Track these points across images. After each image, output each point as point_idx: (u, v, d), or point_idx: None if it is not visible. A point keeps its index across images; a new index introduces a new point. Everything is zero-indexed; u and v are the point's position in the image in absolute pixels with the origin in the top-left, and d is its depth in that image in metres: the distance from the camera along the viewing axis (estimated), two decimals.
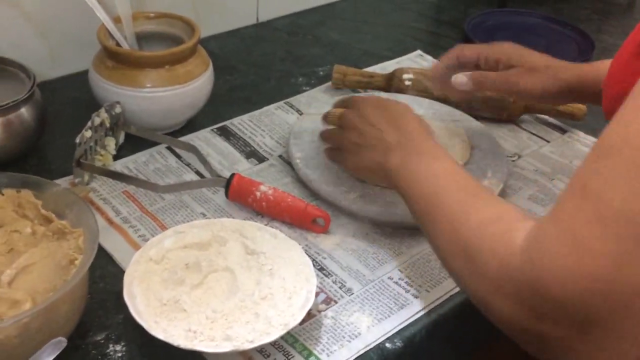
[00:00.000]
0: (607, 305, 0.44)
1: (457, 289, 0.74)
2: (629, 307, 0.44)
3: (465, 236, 0.57)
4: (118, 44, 0.90)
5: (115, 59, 0.88)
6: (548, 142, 1.00)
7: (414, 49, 1.21)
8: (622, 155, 0.45)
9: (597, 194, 0.46)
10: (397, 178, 0.71)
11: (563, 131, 1.02)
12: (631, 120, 0.46)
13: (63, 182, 0.82)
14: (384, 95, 1.00)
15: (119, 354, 0.64)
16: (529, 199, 0.88)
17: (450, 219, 0.60)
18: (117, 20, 0.91)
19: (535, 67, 0.84)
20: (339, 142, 0.81)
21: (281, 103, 1.02)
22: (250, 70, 1.11)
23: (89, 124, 0.82)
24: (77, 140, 0.79)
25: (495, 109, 1.01)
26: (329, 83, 1.07)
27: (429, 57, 1.18)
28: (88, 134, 0.81)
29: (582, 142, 1.00)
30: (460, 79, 0.85)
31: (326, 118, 0.84)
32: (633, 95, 0.48)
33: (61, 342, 0.56)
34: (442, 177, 0.66)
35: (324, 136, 0.84)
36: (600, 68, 0.83)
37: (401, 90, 1.03)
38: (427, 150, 0.71)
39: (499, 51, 0.86)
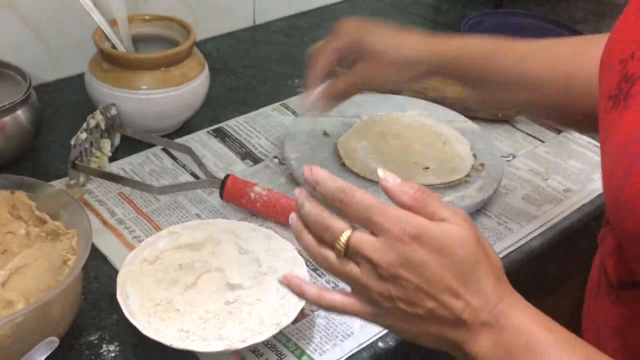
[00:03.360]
0: None
1: None
2: None
3: None
4: (114, 47, 0.91)
5: (111, 62, 0.89)
6: (543, 142, 1.00)
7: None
8: None
9: None
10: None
11: (558, 131, 1.02)
12: None
13: (58, 184, 0.82)
14: (378, 95, 1.00)
15: (113, 354, 0.65)
16: (523, 199, 0.88)
17: None
18: (113, 23, 0.91)
19: (380, 59, 0.75)
20: (365, 290, 0.51)
21: (277, 105, 1.03)
22: (247, 72, 1.11)
23: (84, 125, 0.82)
24: (72, 142, 0.80)
25: (490, 109, 1.01)
26: (325, 84, 1.07)
27: None
28: (83, 135, 0.82)
29: (577, 142, 1.00)
30: (309, 104, 0.76)
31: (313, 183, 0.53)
32: None
33: (53, 342, 0.57)
34: None
35: (328, 267, 0.53)
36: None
37: (395, 91, 1.03)
38: (529, 333, 0.50)
39: (344, 49, 0.77)
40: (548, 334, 0.50)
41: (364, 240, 0.50)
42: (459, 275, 0.49)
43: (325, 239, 0.51)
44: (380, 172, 0.52)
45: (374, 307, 0.52)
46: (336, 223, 0.51)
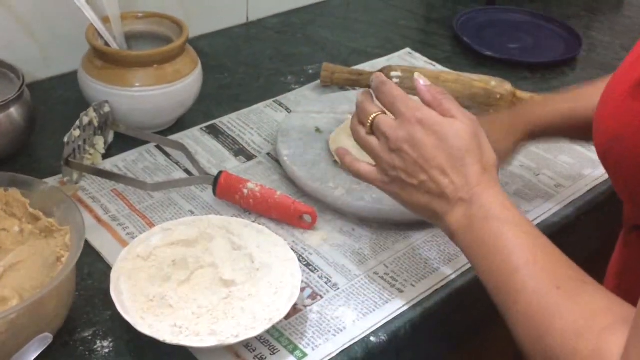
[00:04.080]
0: None
1: (442, 284, 0.75)
2: None
3: (547, 342, 0.53)
4: (107, 44, 0.91)
5: (103, 59, 0.89)
6: None
7: (404, 47, 1.22)
8: None
9: None
10: (458, 239, 0.62)
11: None
12: None
13: (52, 181, 0.83)
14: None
15: (106, 350, 0.65)
16: (515, 194, 0.89)
17: (529, 313, 0.55)
18: (105, 20, 0.91)
19: None
20: (378, 159, 0.66)
21: (270, 101, 1.03)
22: (240, 69, 1.11)
23: (78, 123, 0.82)
24: (66, 140, 0.80)
25: (482, 105, 1.02)
26: (318, 81, 1.08)
27: (418, 55, 1.19)
28: (77, 133, 0.82)
29: None
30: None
31: (363, 108, 0.67)
32: None
33: (47, 338, 0.57)
34: (516, 254, 0.57)
35: (358, 139, 0.68)
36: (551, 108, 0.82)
37: None
38: (496, 213, 0.60)
39: None
40: (505, 211, 0.60)
41: (384, 119, 0.66)
42: (449, 158, 0.62)
43: (361, 119, 0.68)
44: (416, 75, 0.67)
45: (383, 176, 0.66)
46: (370, 107, 0.67)
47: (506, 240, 0.58)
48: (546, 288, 0.54)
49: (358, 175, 0.69)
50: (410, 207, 0.66)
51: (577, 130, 0.80)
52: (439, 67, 1.15)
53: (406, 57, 1.19)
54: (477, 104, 1.02)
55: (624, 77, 0.62)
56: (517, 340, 0.56)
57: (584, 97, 0.80)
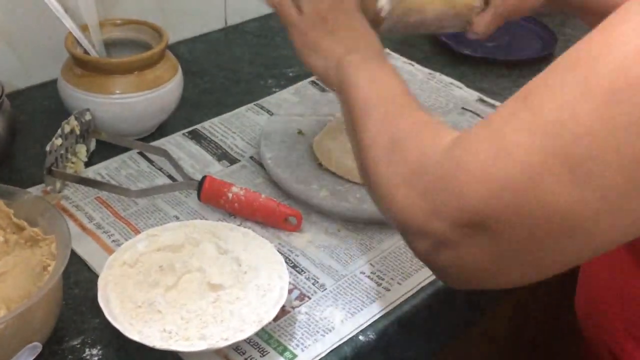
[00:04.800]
0: (507, 213, 0.44)
1: (429, 281, 0.75)
2: (525, 219, 0.43)
3: (396, 127, 0.56)
4: (86, 52, 0.91)
5: (83, 67, 0.89)
6: None
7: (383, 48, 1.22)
8: (573, 74, 0.43)
9: (537, 104, 0.44)
10: (340, 72, 0.67)
11: None
12: (595, 44, 0.44)
13: (35, 190, 0.82)
14: None
15: (96, 358, 0.65)
16: None
17: (382, 118, 0.58)
18: (84, 29, 0.91)
19: None
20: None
21: (251, 105, 1.03)
22: (220, 74, 1.12)
23: (59, 131, 0.82)
24: (48, 149, 0.80)
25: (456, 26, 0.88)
26: (299, 84, 1.09)
27: (397, 55, 1.20)
28: (58, 141, 0.82)
29: None
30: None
31: None
32: (603, 22, 0.45)
33: (36, 347, 0.57)
34: (382, 83, 0.63)
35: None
36: None
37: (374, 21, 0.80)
38: (373, 55, 0.68)
39: None
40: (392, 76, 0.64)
41: None
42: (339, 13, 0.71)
43: None
44: None
45: (301, 16, 0.72)
46: None
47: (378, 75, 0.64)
48: (406, 103, 0.60)
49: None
50: (315, 49, 0.71)
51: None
52: (418, 67, 1.16)
53: None
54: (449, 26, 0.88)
55: None
56: (362, 153, 0.58)
57: None
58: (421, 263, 0.76)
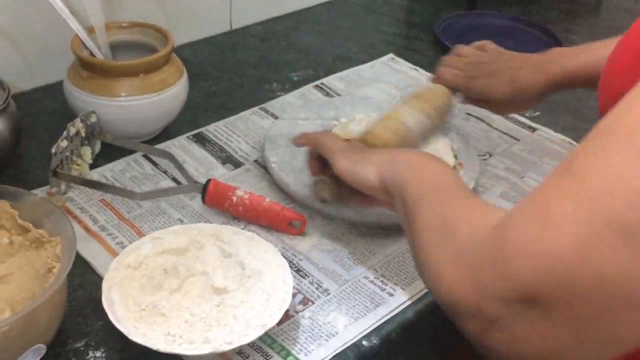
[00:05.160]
0: (559, 288, 0.42)
1: None
2: (580, 294, 0.41)
3: (447, 209, 0.56)
4: (92, 54, 0.91)
5: (89, 69, 0.89)
6: (518, 140, 1.02)
7: (387, 53, 1.23)
8: (615, 136, 0.42)
9: (580, 172, 0.43)
10: (391, 168, 0.69)
11: (532, 129, 1.05)
12: (632, 106, 0.43)
13: (40, 192, 0.82)
14: None
15: None
16: (500, 196, 0.90)
17: (434, 203, 0.59)
18: (90, 31, 0.91)
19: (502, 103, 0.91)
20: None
21: (256, 109, 1.04)
22: (225, 77, 1.12)
23: (65, 133, 0.82)
24: (53, 150, 0.80)
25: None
26: (303, 88, 1.09)
27: (402, 61, 1.20)
28: (64, 143, 0.82)
29: (551, 139, 1.02)
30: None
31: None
32: (637, 87, 0.44)
33: (40, 349, 0.57)
34: (433, 172, 0.65)
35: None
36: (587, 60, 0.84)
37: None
38: (416, 153, 0.72)
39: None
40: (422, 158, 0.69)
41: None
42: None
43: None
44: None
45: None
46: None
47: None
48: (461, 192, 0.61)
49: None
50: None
51: None
52: (422, 72, 1.16)
53: (389, 63, 1.20)
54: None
55: (626, 43, 0.60)
56: (414, 235, 0.59)
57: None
58: None
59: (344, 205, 0.79)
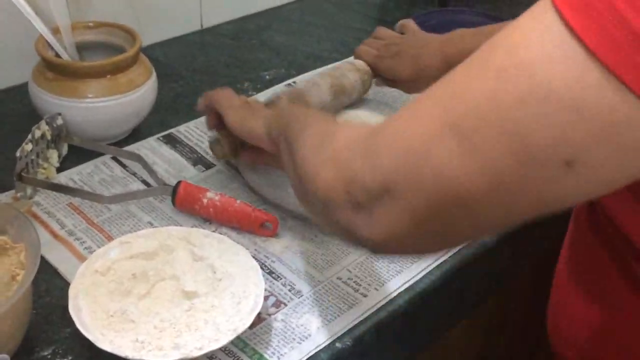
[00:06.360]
0: (405, 179, 0.45)
1: (405, 287, 0.75)
2: (418, 186, 0.45)
3: (327, 130, 0.57)
4: (58, 55, 0.89)
5: (55, 70, 0.87)
6: None
7: None
8: (475, 59, 0.45)
9: (447, 81, 0.46)
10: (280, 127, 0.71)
11: None
12: (497, 36, 0.45)
13: (5, 197, 0.80)
14: None
15: None
16: None
17: (314, 132, 0.60)
18: (56, 31, 0.90)
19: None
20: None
21: None
22: (196, 77, 1.10)
23: (30, 136, 0.81)
24: (18, 154, 0.78)
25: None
26: (275, 87, 1.08)
27: None
28: (28, 147, 0.80)
29: None
30: None
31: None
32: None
33: (4, 359, 0.55)
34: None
35: None
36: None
37: None
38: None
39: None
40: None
41: None
42: None
43: None
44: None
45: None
46: None
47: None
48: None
49: None
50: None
51: None
52: None
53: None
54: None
55: None
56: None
57: None
58: (398, 268, 0.77)
59: (238, 162, 0.86)
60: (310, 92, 0.92)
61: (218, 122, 0.83)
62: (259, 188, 0.84)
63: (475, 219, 0.45)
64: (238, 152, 0.83)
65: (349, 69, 0.97)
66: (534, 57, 0.40)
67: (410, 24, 1.01)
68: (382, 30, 1.03)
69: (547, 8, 0.41)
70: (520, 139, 0.41)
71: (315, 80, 0.95)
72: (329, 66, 1.06)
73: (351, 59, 1.03)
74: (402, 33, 1.01)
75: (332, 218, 0.53)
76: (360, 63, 0.99)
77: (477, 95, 0.43)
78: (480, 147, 0.42)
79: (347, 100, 0.97)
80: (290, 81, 1.10)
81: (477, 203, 0.44)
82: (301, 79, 1.09)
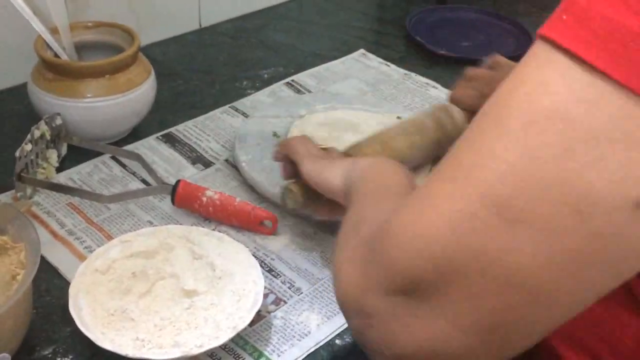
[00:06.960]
0: (435, 271, 0.39)
1: None
2: (456, 276, 0.38)
3: (367, 210, 0.53)
4: (56, 55, 0.89)
5: (54, 71, 0.87)
6: None
7: (358, 48, 1.22)
8: (486, 117, 0.40)
9: (458, 153, 0.41)
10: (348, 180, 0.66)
11: None
12: (503, 89, 0.41)
13: (5, 197, 0.81)
14: None
15: None
16: None
17: (364, 205, 0.55)
18: (54, 31, 0.90)
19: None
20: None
21: (226, 107, 1.02)
22: (194, 76, 1.11)
23: (29, 137, 0.81)
24: (17, 154, 0.78)
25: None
26: (274, 85, 1.08)
27: (372, 56, 1.20)
28: (28, 147, 0.80)
29: None
30: None
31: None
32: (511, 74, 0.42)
33: (5, 358, 0.56)
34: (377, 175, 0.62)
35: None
36: None
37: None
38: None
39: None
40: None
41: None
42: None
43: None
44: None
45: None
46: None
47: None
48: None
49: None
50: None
51: None
52: (393, 67, 1.16)
53: (360, 59, 1.19)
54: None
55: None
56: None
57: None
58: None
59: (312, 214, 0.78)
60: (394, 141, 0.82)
61: (293, 171, 0.75)
62: (259, 186, 0.84)
63: (534, 299, 0.38)
64: (311, 203, 0.75)
65: (445, 117, 0.86)
66: (565, 103, 0.37)
67: (501, 58, 0.91)
68: (472, 71, 0.91)
69: (552, 53, 0.38)
70: (577, 191, 0.36)
71: (394, 129, 0.84)
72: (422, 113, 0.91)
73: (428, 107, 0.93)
74: (492, 68, 0.91)
75: (347, 321, 0.47)
76: (454, 109, 0.87)
77: (506, 156, 0.38)
78: (525, 211, 0.37)
79: (436, 147, 0.87)
80: (288, 79, 1.10)
81: (531, 277, 0.37)
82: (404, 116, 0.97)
